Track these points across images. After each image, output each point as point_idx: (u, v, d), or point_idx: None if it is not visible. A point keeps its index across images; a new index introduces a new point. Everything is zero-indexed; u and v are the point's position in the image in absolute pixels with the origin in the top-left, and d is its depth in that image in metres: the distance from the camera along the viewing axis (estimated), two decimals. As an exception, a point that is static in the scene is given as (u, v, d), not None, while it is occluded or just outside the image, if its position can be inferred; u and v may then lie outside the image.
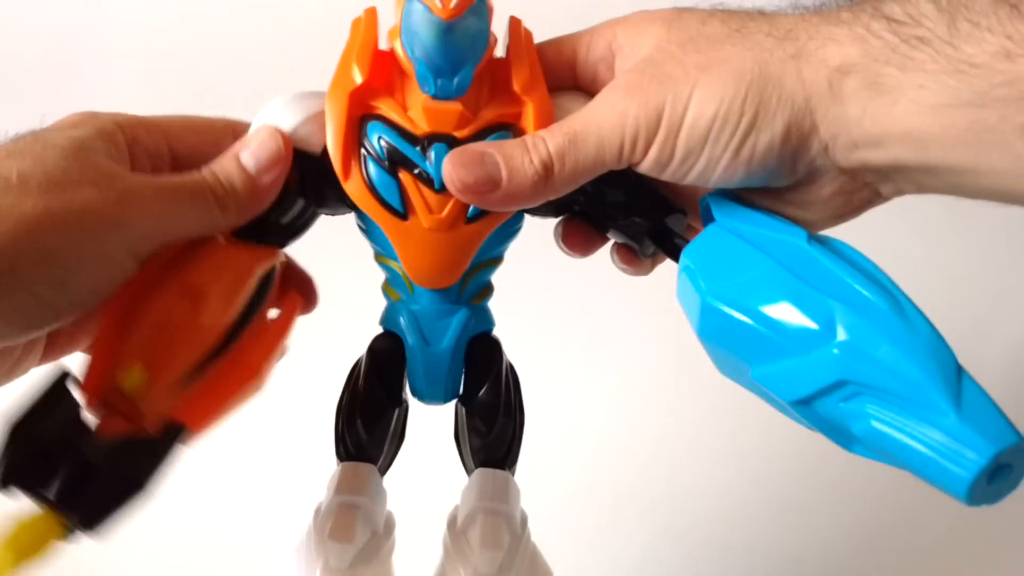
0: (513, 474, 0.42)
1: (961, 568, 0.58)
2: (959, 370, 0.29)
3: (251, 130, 0.39)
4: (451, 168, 0.35)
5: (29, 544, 0.31)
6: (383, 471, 0.43)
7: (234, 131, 0.40)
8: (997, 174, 0.30)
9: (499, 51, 0.39)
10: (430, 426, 0.44)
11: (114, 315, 0.35)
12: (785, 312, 0.32)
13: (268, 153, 0.37)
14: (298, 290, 0.43)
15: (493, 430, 0.41)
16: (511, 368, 0.43)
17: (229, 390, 0.38)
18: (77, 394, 0.34)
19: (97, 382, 0.34)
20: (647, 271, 0.43)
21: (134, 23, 0.86)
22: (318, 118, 0.38)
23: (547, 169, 0.35)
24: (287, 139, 0.38)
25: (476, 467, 0.41)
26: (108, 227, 0.32)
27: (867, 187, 0.35)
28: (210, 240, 0.37)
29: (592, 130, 0.34)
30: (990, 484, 0.28)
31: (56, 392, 0.33)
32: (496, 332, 0.43)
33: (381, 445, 0.42)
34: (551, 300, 0.77)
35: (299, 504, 0.42)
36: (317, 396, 0.44)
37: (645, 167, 0.35)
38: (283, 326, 0.41)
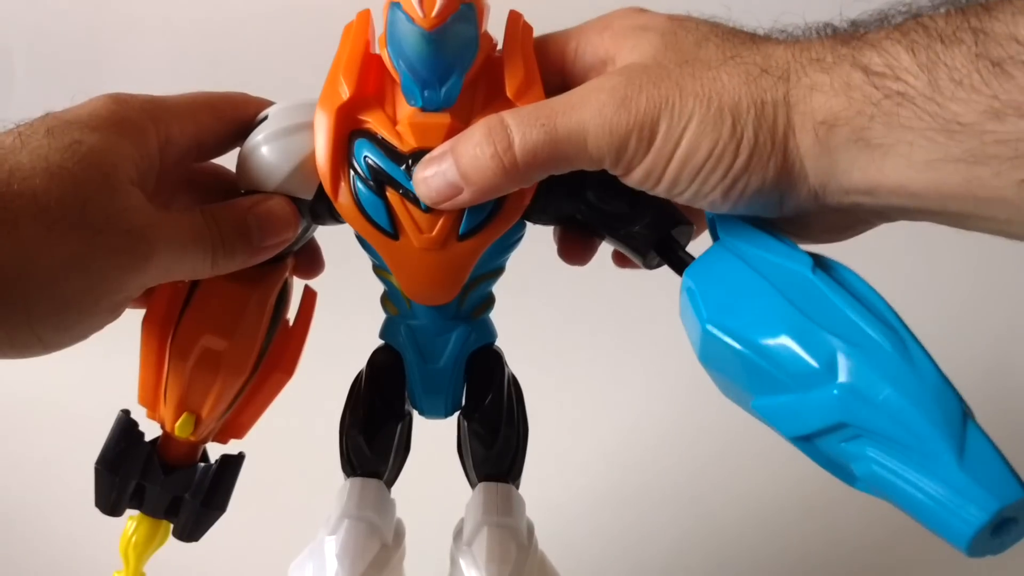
0: (518, 487, 0.42)
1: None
2: (965, 418, 0.28)
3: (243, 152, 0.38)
4: (417, 185, 0.35)
5: (148, 536, 0.40)
6: (390, 483, 0.43)
7: (257, 107, 0.39)
8: (997, 221, 0.29)
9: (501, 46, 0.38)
10: (437, 436, 0.44)
11: (157, 359, 0.39)
12: (785, 347, 0.31)
13: (275, 227, 0.37)
14: (307, 271, 0.44)
15: (496, 444, 0.41)
16: (513, 380, 0.42)
17: (268, 397, 0.41)
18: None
19: (158, 421, 0.40)
20: (586, 262, 0.42)
21: (159, 17, 0.86)
22: (307, 163, 0.37)
23: (503, 166, 0.33)
24: (297, 216, 0.38)
25: (479, 481, 0.41)
26: (129, 278, 0.32)
27: (863, 222, 0.35)
28: (223, 282, 0.38)
29: (576, 129, 0.32)
30: (994, 536, 0.27)
31: (125, 434, 0.40)
32: (515, 338, 0.43)
33: (385, 459, 0.42)
34: (572, 303, 0.76)
35: (306, 516, 0.43)
36: (323, 408, 0.44)
37: (627, 182, 0.34)
38: (305, 324, 0.42)
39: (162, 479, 0.40)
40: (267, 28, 0.86)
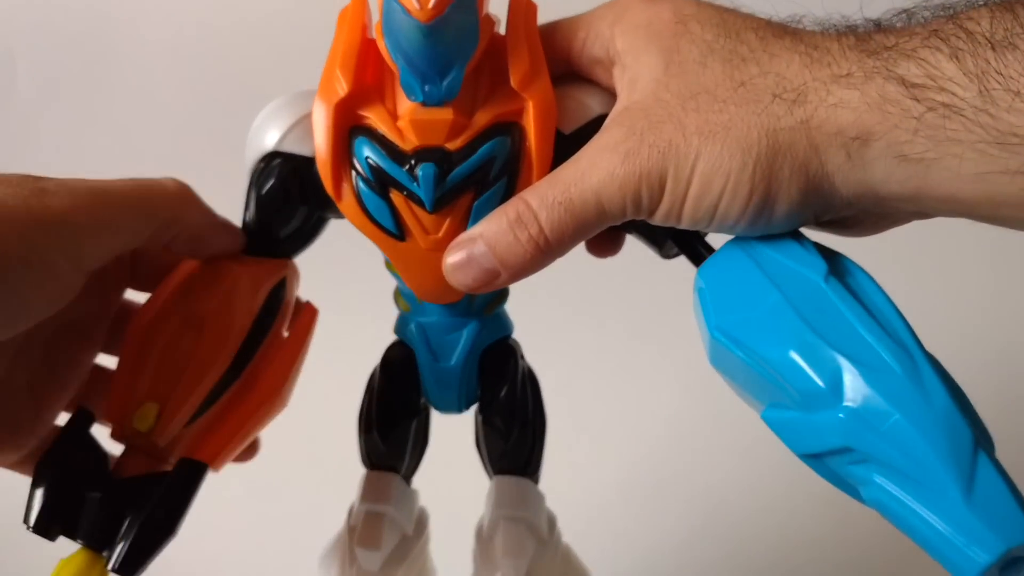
0: (537, 480, 0.41)
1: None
2: (976, 449, 0.26)
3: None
4: (449, 274, 0.34)
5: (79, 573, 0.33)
6: (408, 476, 0.43)
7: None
8: None
9: (501, 28, 0.36)
10: (460, 427, 0.44)
11: (132, 348, 0.35)
12: (792, 363, 0.29)
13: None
14: None
15: (510, 439, 0.40)
16: (529, 374, 0.41)
17: (248, 414, 0.37)
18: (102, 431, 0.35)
19: (116, 421, 0.35)
20: (616, 252, 0.41)
21: (166, 14, 0.85)
22: (304, 122, 0.36)
23: (539, 247, 0.32)
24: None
25: (495, 475, 0.41)
26: (28, 225, 0.30)
27: (898, 220, 0.33)
28: (214, 261, 0.37)
29: (591, 197, 0.32)
30: (1003, 574, 0.26)
31: (77, 433, 0.35)
32: (529, 332, 0.42)
33: (401, 454, 0.42)
34: (586, 297, 0.75)
35: (334, 506, 0.43)
36: (349, 398, 0.43)
37: (652, 223, 0.33)
38: (299, 340, 0.40)
39: (108, 485, 0.34)
40: (272, 27, 0.84)
